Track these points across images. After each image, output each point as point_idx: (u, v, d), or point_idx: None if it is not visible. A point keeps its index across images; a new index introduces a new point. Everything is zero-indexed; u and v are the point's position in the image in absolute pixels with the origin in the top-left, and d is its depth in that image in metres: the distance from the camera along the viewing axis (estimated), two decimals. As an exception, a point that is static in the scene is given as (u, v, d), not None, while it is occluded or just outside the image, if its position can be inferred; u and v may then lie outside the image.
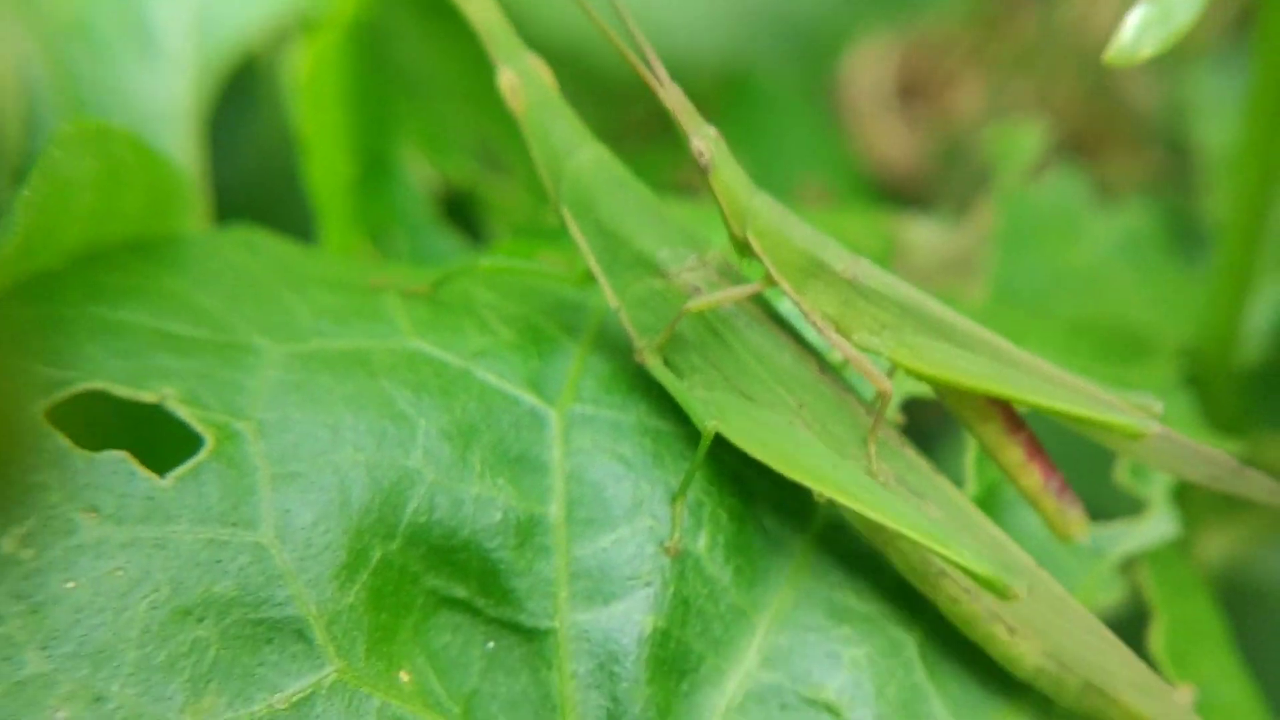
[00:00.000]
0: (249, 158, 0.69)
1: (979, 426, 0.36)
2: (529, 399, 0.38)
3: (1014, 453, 0.36)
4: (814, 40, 0.76)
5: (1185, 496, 0.55)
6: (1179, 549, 0.43)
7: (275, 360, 0.37)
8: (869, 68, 0.76)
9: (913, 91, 0.76)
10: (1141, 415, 0.34)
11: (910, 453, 0.36)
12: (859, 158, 0.72)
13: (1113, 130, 0.74)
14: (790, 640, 0.35)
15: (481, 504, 0.35)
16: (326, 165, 0.59)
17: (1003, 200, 0.62)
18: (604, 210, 0.38)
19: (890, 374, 0.36)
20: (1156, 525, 0.40)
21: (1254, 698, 0.41)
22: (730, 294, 0.36)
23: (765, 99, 0.71)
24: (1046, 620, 0.34)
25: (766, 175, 0.69)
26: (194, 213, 0.59)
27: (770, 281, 0.36)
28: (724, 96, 0.70)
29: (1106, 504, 0.42)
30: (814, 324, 0.36)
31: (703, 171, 0.36)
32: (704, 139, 0.35)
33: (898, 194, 0.72)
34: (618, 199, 0.38)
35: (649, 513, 0.36)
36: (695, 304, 0.36)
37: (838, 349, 0.36)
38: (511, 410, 0.38)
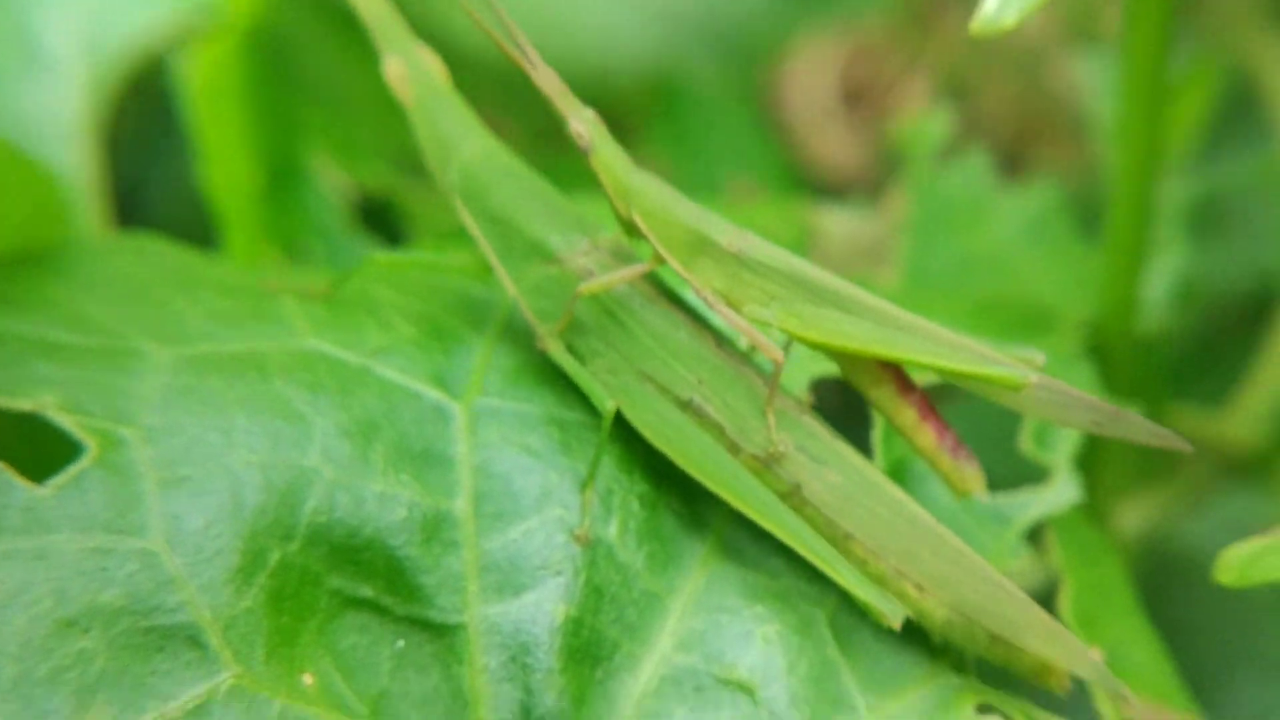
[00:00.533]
0: (164, 168, 0.68)
1: (874, 391, 0.37)
2: (433, 394, 0.38)
3: (908, 414, 0.36)
4: (744, 44, 0.77)
5: (1102, 467, 0.57)
6: (1087, 516, 0.45)
7: (163, 365, 0.36)
8: (810, 75, 0.78)
9: (855, 96, 0.78)
10: (1022, 367, 0.35)
11: (810, 420, 0.37)
12: (805, 164, 0.73)
13: (1050, 124, 0.77)
14: (704, 622, 0.35)
15: (385, 501, 0.35)
16: (228, 173, 0.58)
17: (913, 187, 0.63)
18: (495, 199, 0.38)
19: (786, 347, 0.36)
20: (1060, 491, 0.41)
21: (1162, 660, 0.42)
22: (621, 275, 0.37)
23: (696, 102, 0.72)
24: (950, 575, 0.35)
25: (695, 175, 0.70)
26: (86, 223, 0.58)
27: (659, 260, 0.37)
28: (655, 100, 0.71)
29: (1014, 478, 0.43)
30: (704, 299, 0.36)
31: (583, 154, 0.36)
32: (582, 121, 0.36)
33: (842, 197, 0.73)
34: (508, 188, 0.38)
35: (558, 502, 0.36)
36: (588, 286, 0.36)
37: (728, 322, 0.36)
38: (414, 406, 0.37)
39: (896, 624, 0.34)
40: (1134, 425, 0.35)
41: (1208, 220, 0.63)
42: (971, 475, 0.37)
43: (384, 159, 0.65)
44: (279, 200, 0.61)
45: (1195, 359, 0.67)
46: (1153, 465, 0.59)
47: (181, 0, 0.61)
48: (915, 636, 0.36)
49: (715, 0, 0.75)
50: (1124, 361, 0.51)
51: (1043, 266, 0.62)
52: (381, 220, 0.62)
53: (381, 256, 0.40)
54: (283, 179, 0.62)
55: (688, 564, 0.37)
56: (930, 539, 0.35)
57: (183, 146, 0.67)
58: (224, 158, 0.58)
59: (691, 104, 0.74)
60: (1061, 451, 0.42)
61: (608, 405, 0.36)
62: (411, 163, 0.64)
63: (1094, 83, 0.71)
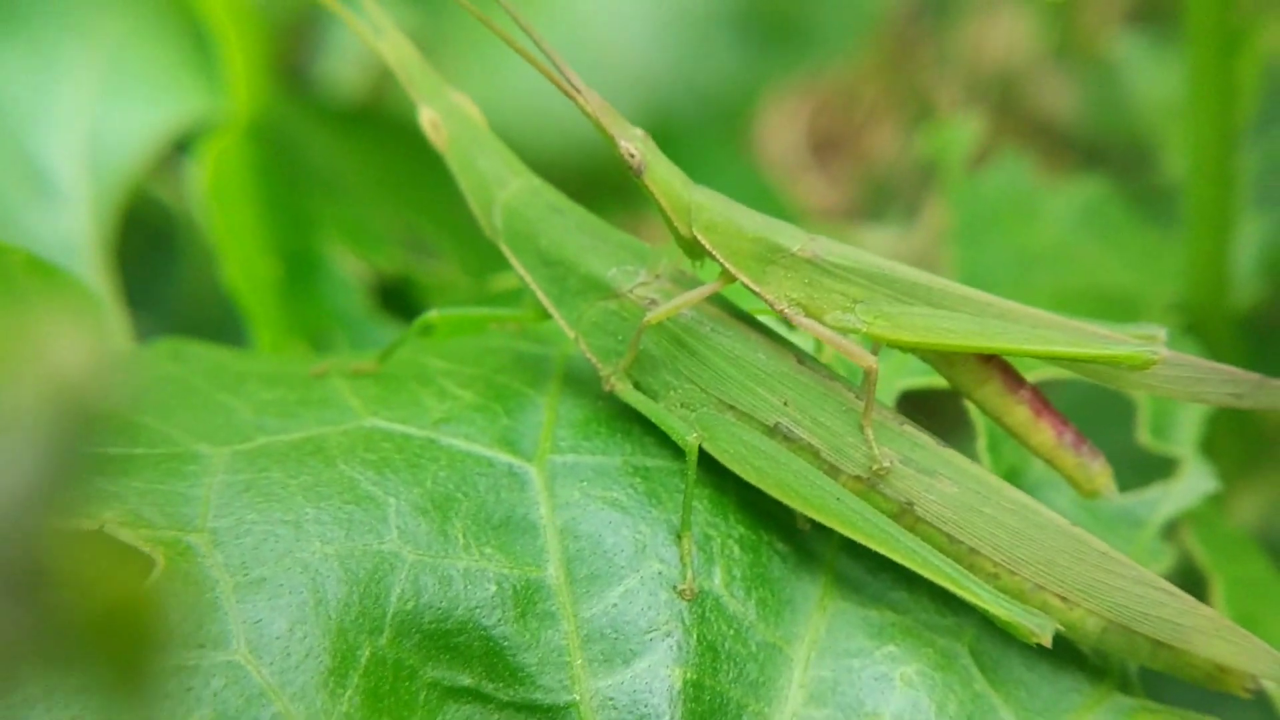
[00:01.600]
0: (166, 276, 0.69)
1: (979, 392, 0.34)
2: (504, 458, 0.36)
3: (1020, 412, 0.34)
4: (722, 101, 0.78)
5: (1216, 452, 0.54)
6: (1219, 510, 0.42)
7: (220, 464, 0.35)
8: (783, 129, 0.79)
9: (829, 145, 0.79)
10: (1147, 343, 0.32)
11: (912, 429, 0.35)
12: (792, 206, 0.73)
13: (1027, 141, 0.77)
14: (833, 670, 0.33)
15: (472, 577, 0.33)
16: (246, 269, 0.59)
17: (951, 194, 0.62)
18: (544, 238, 0.37)
19: (875, 353, 0.35)
20: (1193, 482, 0.39)
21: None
22: (687, 298, 0.35)
23: (689, 150, 0.72)
24: (1097, 581, 0.32)
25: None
26: (111, 336, 0.58)
27: (728, 278, 0.35)
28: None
29: (1134, 477, 0.41)
30: (782, 313, 0.35)
31: (636, 174, 0.35)
32: (632, 140, 0.35)
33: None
34: (556, 225, 0.37)
35: (655, 556, 0.34)
36: (654, 315, 0.35)
37: (812, 334, 0.34)
38: (487, 473, 0.36)
39: (1047, 639, 0.31)
40: (1278, 393, 0.32)
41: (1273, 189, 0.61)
42: (1100, 472, 0.34)
43: (396, 243, 0.65)
44: (298, 291, 0.62)
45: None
46: (1256, 456, 0.57)
47: (175, 106, 0.63)
48: (1071, 657, 0.33)
49: (688, 63, 0.76)
50: (1223, 337, 0.49)
51: (1109, 255, 0.60)
52: (401, 303, 0.62)
53: (435, 315, 0.39)
54: (300, 270, 0.63)
55: (804, 608, 0.34)
56: (1068, 543, 0.33)
57: (182, 252, 0.68)
58: (241, 254, 0.59)
59: (686, 152, 0.74)
60: (1186, 440, 0.40)
61: (689, 440, 0.34)
62: (422, 245, 0.65)
63: (1129, 74, 0.70)
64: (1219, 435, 0.55)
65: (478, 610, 0.33)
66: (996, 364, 0.34)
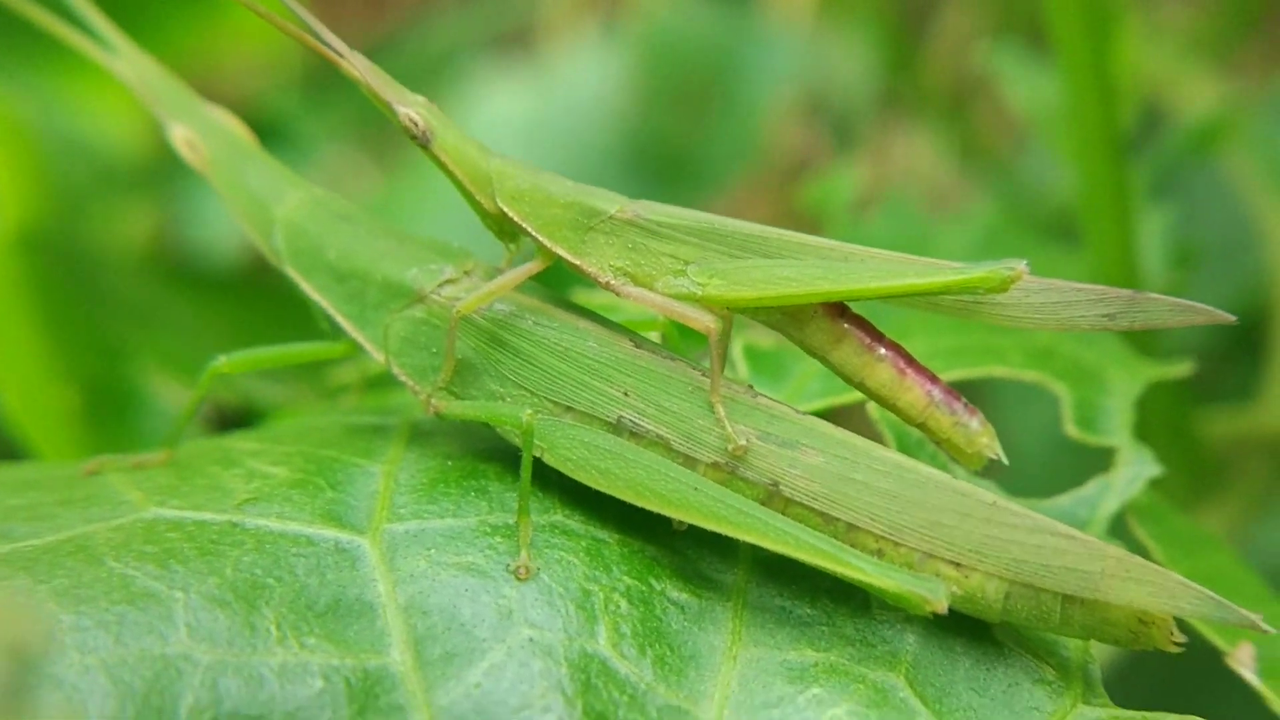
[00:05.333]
0: None
1: (836, 354, 0.32)
2: (329, 534, 0.32)
3: (882, 371, 0.31)
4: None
5: (1166, 483, 0.53)
6: (1169, 503, 0.40)
7: (-49, 581, 0.29)
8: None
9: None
10: (1008, 264, 0.30)
11: (766, 400, 0.32)
12: None
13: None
14: (756, 725, 0.28)
15: (291, 674, 0.28)
16: (30, 396, 0.55)
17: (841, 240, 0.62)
18: (332, 250, 0.34)
19: (728, 327, 0.32)
20: (1133, 470, 0.37)
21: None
22: (500, 282, 0.32)
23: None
24: (990, 538, 0.29)
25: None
26: None
27: (546, 257, 0.33)
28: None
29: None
30: (607, 286, 0.32)
31: (422, 144, 0.32)
32: (413, 106, 0.33)
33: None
34: (345, 234, 0.34)
35: (524, 621, 0.29)
36: (463, 305, 0.32)
37: (642, 304, 0.32)
38: (307, 552, 0.31)
39: (942, 605, 0.28)
40: (1156, 306, 0.30)
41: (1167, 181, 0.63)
42: (980, 431, 0.31)
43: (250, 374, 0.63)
44: (104, 421, 0.58)
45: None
46: (1203, 481, 0.56)
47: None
48: (1025, 672, 0.30)
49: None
50: (1148, 335, 0.48)
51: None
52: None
53: (224, 361, 0.34)
54: (104, 399, 0.59)
55: (710, 661, 0.30)
56: (951, 499, 0.29)
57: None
58: (20, 380, 0.55)
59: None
60: (1117, 427, 0.38)
61: (522, 419, 0.31)
62: (267, 372, 0.62)
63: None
64: (1169, 465, 0.54)
65: (301, 713, 0.27)
66: (851, 320, 0.32)
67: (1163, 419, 0.53)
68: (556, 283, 0.36)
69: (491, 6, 0.96)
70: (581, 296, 0.42)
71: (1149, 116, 0.70)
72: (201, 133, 0.35)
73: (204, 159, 0.35)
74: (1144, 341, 0.50)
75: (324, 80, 0.89)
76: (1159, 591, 0.28)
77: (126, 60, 0.35)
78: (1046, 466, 0.42)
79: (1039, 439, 0.37)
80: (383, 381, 0.45)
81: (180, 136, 0.35)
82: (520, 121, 0.86)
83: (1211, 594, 0.29)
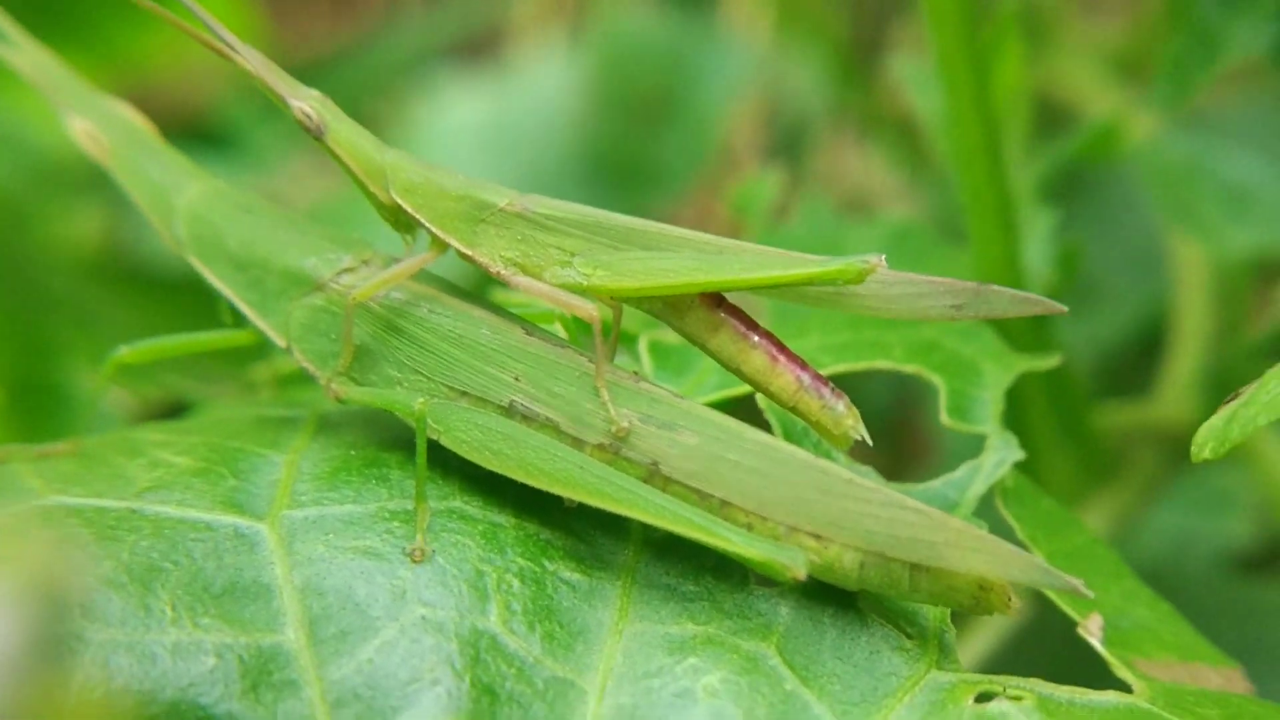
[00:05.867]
0: None
1: (713, 341, 0.34)
2: (228, 519, 0.33)
3: (756, 358, 0.34)
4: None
5: (1056, 474, 0.56)
6: (1035, 487, 0.42)
7: None
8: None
9: None
10: (864, 258, 0.33)
11: (648, 386, 0.34)
12: None
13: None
14: (632, 695, 0.30)
15: (184, 651, 0.29)
16: None
17: (760, 242, 0.64)
18: (233, 239, 0.36)
19: (617, 316, 0.34)
20: (998, 454, 0.39)
21: (1177, 619, 0.39)
22: (394, 271, 0.34)
23: None
24: (846, 511, 0.32)
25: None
26: None
27: (439, 247, 0.34)
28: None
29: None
30: (498, 275, 0.34)
31: (316, 137, 0.34)
32: (306, 99, 0.34)
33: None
34: (245, 224, 0.36)
35: (418, 600, 0.31)
36: (358, 292, 0.34)
37: (530, 294, 0.34)
38: (205, 537, 0.32)
39: (801, 571, 0.30)
40: (998, 298, 0.33)
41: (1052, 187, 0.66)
42: (845, 414, 0.34)
43: (175, 370, 0.63)
44: (32, 421, 0.58)
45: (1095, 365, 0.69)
46: (1097, 470, 0.59)
47: None
48: (885, 640, 0.32)
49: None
50: (1020, 329, 0.51)
51: (915, 271, 0.63)
52: None
53: (126, 351, 0.36)
54: (32, 398, 0.59)
55: (597, 635, 0.32)
56: (814, 477, 0.32)
57: None
58: None
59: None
60: (988, 417, 0.40)
61: (415, 407, 0.33)
62: (205, 372, 0.62)
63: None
64: (1056, 457, 0.57)
65: (192, 689, 0.28)
66: (727, 310, 0.34)
67: (1062, 414, 0.56)
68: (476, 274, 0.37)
69: (457, 13, 0.97)
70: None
71: (1063, 125, 0.73)
72: (102, 125, 0.36)
73: (105, 150, 0.36)
74: (1045, 339, 0.53)
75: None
76: (993, 560, 0.31)
77: (23, 52, 0.36)
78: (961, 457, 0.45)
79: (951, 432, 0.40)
80: (299, 378, 0.46)
81: (80, 128, 0.36)
82: (480, 127, 0.87)
83: (1040, 562, 0.31)
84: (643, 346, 0.44)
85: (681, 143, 0.87)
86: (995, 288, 0.33)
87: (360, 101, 0.82)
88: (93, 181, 0.83)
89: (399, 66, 0.90)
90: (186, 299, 0.75)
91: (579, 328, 0.39)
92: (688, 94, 0.89)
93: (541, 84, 0.89)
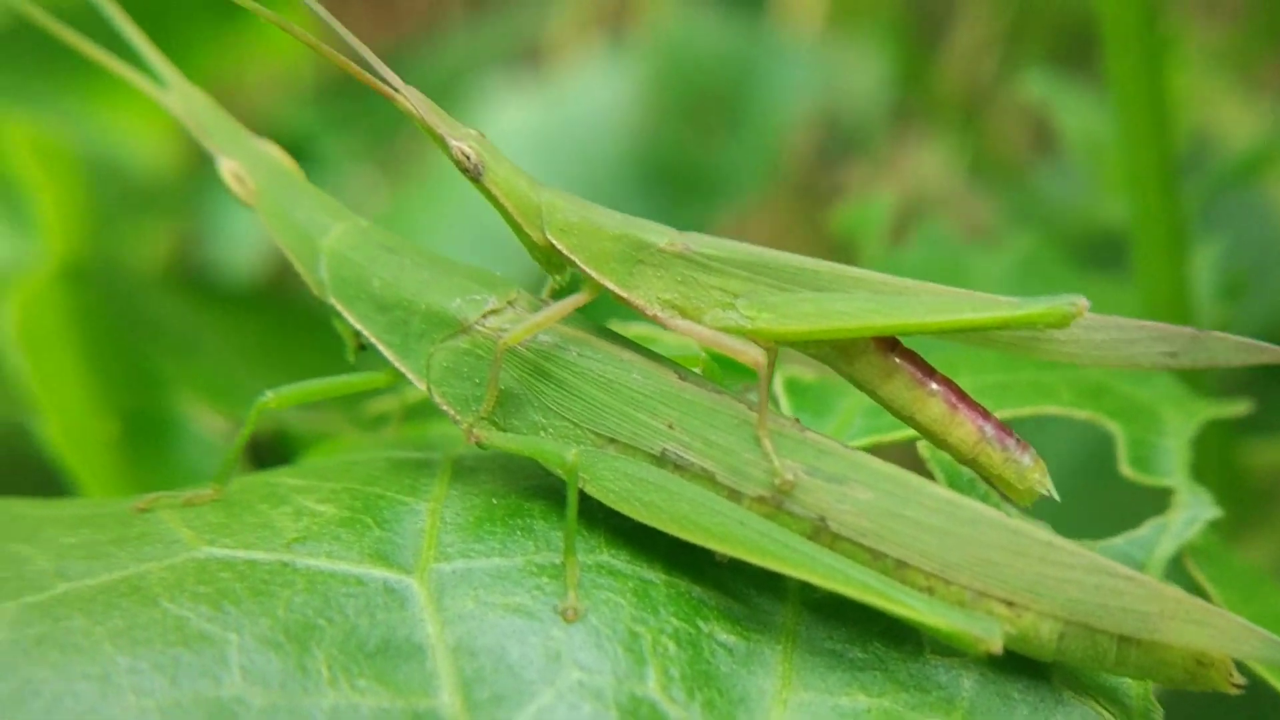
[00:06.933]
0: None
1: (886, 388, 0.32)
2: (378, 573, 0.32)
3: (934, 406, 0.32)
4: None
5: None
6: (1225, 544, 0.40)
7: (3, 621, 0.30)
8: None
9: None
10: (1067, 300, 0.30)
11: (814, 436, 0.32)
12: None
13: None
14: (809, 773, 0.29)
15: (341, 717, 0.28)
16: (70, 425, 0.56)
17: (875, 268, 0.62)
18: (377, 280, 0.35)
19: (773, 360, 0.32)
20: (1191, 512, 0.36)
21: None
22: (547, 314, 0.33)
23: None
24: (1045, 577, 0.29)
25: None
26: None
27: (592, 289, 0.33)
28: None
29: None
30: (655, 319, 0.33)
31: (474, 177, 0.33)
32: (465, 139, 0.33)
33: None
34: (390, 264, 0.35)
35: (573, 663, 0.30)
36: (509, 336, 0.33)
37: (689, 337, 0.32)
38: (357, 592, 0.32)
39: (997, 644, 0.28)
40: (1219, 345, 0.30)
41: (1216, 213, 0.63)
42: (1032, 468, 0.31)
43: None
44: (143, 452, 0.59)
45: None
46: (1249, 512, 0.55)
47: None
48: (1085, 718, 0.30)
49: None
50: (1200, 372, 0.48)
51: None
52: (281, 460, 0.61)
53: (271, 396, 0.35)
54: (143, 429, 0.61)
55: (759, 704, 0.30)
56: (1005, 538, 0.30)
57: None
58: (62, 411, 0.56)
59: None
60: (1175, 467, 0.38)
61: (567, 459, 0.31)
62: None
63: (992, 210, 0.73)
64: (1214, 498, 0.54)
65: (351, 757, 0.28)
66: (902, 354, 0.32)
67: (1206, 452, 0.53)
68: (594, 312, 0.36)
69: (502, 20, 0.97)
70: (617, 326, 0.43)
71: (1193, 143, 0.70)
72: (249, 166, 0.36)
73: (251, 192, 0.36)
74: (1191, 375, 0.50)
75: (338, 94, 0.90)
76: (1218, 634, 0.28)
77: (178, 94, 0.36)
78: (1075, 506, 0.42)
79: (1063, 477, 0.38)
80: (420, 412, 0.46)
81: (229, 170, 0.36)
82: (530, 136, 0.86)
83: (1272, 636, 0.28)
84: (780, 385, 0.43)
85: (741, 149, 0.85)
86: (1216, 334, 0.31)
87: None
88: (162, 194, 0.84)
89: (444, 75, 0.90)
90: (260, 309, 0.76)
91: (725, 371, 0.37)
92: (744, 98, 0.87)
93: (591, 91, 0.88)
